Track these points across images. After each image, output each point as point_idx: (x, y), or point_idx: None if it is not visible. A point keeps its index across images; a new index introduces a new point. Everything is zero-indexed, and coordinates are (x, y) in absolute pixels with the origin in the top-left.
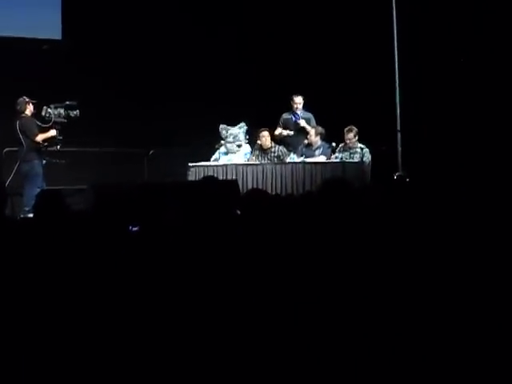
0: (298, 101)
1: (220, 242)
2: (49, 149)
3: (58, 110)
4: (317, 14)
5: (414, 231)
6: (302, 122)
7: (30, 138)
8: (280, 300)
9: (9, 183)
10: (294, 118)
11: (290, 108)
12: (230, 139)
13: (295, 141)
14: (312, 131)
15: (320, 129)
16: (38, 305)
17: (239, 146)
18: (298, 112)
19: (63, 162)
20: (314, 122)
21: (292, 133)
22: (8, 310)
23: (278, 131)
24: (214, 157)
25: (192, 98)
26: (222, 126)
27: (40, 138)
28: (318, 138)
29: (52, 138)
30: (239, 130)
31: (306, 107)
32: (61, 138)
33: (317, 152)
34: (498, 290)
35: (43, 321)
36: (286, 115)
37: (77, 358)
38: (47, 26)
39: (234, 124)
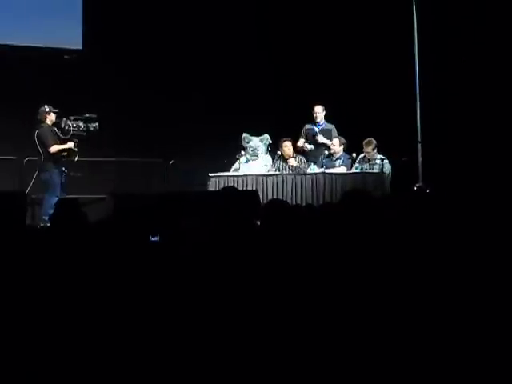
0: (318, 110)
1: (239, 253)
2: (66, 160)
3: (78, 122)
4: (338, 24)
5: (435, 243)
6: (321, 138)
7: (45, 148)
8: (299, 310)
9: (29, 192)
10: (313, 132)
11: (311, 118)
12: (249, 151)
13: (316, 151)
14: (336, 141)
15: (342, 139)
16: (56, 313)
17: (256, 155)
18: (319, 121)
19: (79, 175)
20: (335, 132)
21: (313, 148)
22: (26, 318)
23: (301, 143)
24: (234, 166)
25: (213, 108)
26: (244, 135)
27: (54, 149)
28: (342, 148)
29: (68, 150)
30: (260, 143)
31: (327, 118)
32: (76, 150)
33: (337, 162)
34: None
35: (61, 330)
36: (308, 126)
37: (98, 364)
38: (68, 35)
39: (257, 134)
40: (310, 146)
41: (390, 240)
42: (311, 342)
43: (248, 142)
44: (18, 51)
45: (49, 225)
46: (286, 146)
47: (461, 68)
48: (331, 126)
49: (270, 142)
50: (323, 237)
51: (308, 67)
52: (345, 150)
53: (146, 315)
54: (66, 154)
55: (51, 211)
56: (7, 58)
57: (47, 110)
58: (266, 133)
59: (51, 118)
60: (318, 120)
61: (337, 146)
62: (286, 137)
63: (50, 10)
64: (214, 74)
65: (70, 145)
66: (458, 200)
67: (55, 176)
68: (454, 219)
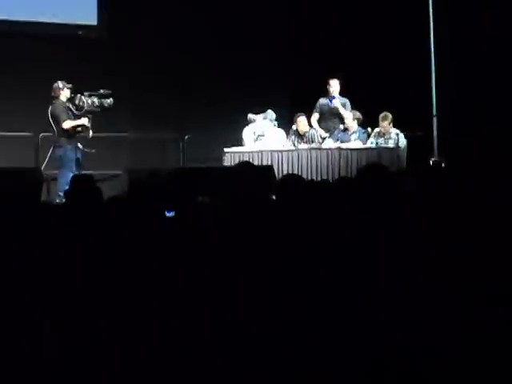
0: (334, 84)
1: (255, 228)
2: (80, 135)
3: (92, 98)
4: None
5: (450, 217)
6: (337, 103)
7: (59, 124)
8: (314, 284)
9: (44, 168)
10: (330, 104)
11: (326, 93)
12: (257, 133)
13: (331, 126)
14: (349, 116)
15: (357, 114)
16: (70, 290)
17: (263, 135)
18: (334, 95)
19: (92, 151)
20: (349, 107)
21: (327, 135)
22: (41, 295)
23: (315, 122)
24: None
25: (228, 83)
26: (249, 116)
27: (67, 125)
28: (355, 122)
29: (82, 126)
30: (264, 121)
31: (341, 92)
32: (88, 126)
33: (352, 137)
34: None
35: (74, 306)
36: (322, 100)
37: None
38: (83, 11)
39: (263, 111)
40: (326, 135)
41: (406, 214)
42: (326, 317)
43: (253, 122)
44: (32, 27)
45: (64, 201)
46: (300, 122)
47: (477, 40)
48: (345, 100)
49: (274, 116)
50: (339, 212)
51: (323, 40)
52: (360, 125)
53: (161, 291)
54: (80, 129)
55: (66, 187)
56: (21, 34)
57: (61, 86)
58: (282, 107)
59: (65, 94)
60: (334, 94)
61: (350, 120)
62: (301, 112)
63: None
64: (229, 48)
65: (84, 121)
66: (473, 174)
67: (69, 152)
68: (469, 194)
